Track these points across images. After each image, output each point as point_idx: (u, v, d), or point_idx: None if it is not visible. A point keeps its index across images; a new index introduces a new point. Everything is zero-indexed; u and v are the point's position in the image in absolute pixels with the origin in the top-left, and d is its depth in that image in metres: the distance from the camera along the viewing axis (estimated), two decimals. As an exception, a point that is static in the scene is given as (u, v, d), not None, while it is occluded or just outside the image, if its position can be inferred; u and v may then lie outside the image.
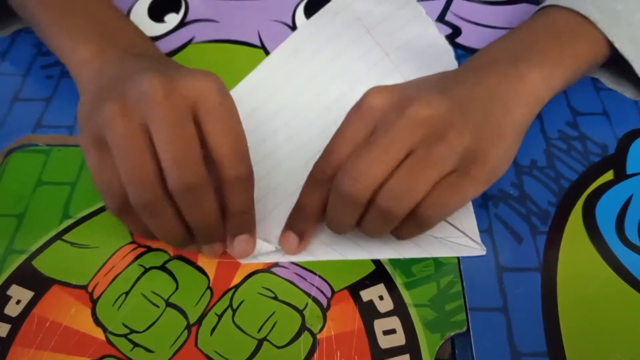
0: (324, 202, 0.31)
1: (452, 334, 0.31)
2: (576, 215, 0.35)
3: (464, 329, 0.31)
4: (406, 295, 0.32)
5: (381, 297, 0.32)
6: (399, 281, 0.32)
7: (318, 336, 0.30)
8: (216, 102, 0.30)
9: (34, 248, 0.34)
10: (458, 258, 0.33)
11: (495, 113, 0.31)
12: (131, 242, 0.34)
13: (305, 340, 0.30)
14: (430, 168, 0.29)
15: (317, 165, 0.31)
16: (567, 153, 0.38)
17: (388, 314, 0.31)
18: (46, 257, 0.34)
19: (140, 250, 0.34)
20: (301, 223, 0.33)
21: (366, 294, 0.32)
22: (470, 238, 0.34)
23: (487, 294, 0.32)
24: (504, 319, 0.31)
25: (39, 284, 0.33)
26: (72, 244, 0.34)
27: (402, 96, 0.30)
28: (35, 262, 0.33)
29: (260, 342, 0.30)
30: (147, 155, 0.28)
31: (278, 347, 0.30)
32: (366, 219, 0.30)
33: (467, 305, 0.32)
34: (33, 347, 0.30)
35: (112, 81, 0.32)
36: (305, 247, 0.34)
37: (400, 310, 0.31)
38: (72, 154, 0.39)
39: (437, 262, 0.33)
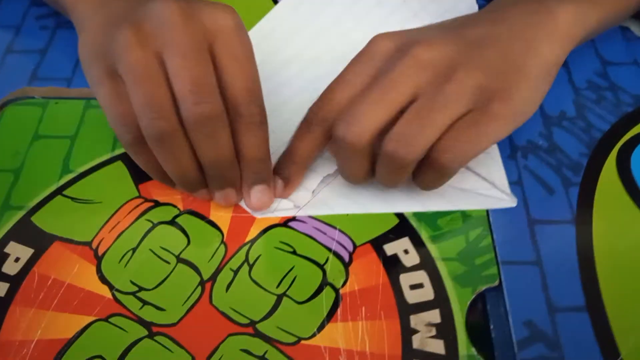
0: (315, 146, 0.30)
1: (484, 288, 0.29)
2: (610, 166, 0.33)
3: (496, 282, 0.29)
4: (433, 249, 0.30)
5: (406, 251, 0.30)
6: (424, 235, 0.30)
7: (341, 291, 0.28)
8: (235, 37, 0.28)
9: (32, 204, 0.32)
10: (487, 211, 0.31)
11: (517, 51, 0.29)
12: (137, 197, 0.32)
13: (328, 295, 0.28)
14: (439, 109, 0.26)
15: (311, 108, 0.30)
16: (597, 103, 0.36)
17: (414, 268, 0.29)
18: (46, 213, 0.31)
19: (148, 204, 0.32)
20: (288, 167, 0.31)
21: (390, 248, 0.30)
22: (499, 189, 0.32)
23: (519, 247, 0.30)
24: (538, 272, 0.29)
25: (39, 240, 0.30)
26: (73, 199, 0.32)
27: (407, 40, 0.28)
28: (35, 219, 0.31)
29: (279, 298, 0.28)
30: (161, 83, 0.26)
31: (299, 303, 0.28)
32: (377, 166, 0.29)
33: (498, 258, 0.30)
34: (34, 307, 0.28)
35: (122, 9, 0.30)
36: (291, 194, 0.32)
37: (427, 264, 0.29)
38: (70, 107, 0.36)
39: (465, 215, 0.31)
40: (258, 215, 0.31)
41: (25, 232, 0.31)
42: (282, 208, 0.31)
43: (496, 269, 0.29)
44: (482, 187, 0.32)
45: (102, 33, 0.29)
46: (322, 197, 0.32)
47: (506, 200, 0.32)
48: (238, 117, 0.28)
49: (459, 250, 0.30)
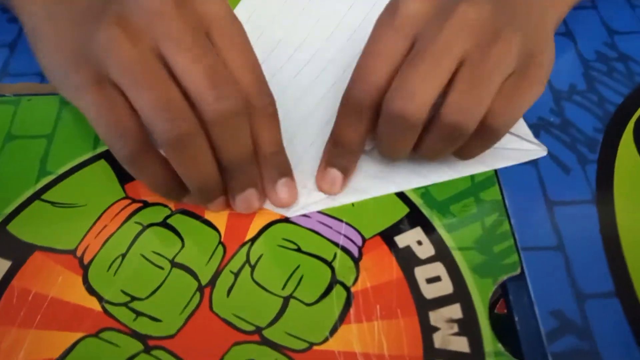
0: (366, 130, 0.27)
1: (505, 277, 0.27)
2: (627, 140, 0.31)
3: (518, 271, 0.27)
4: (448, 239, 0.28)
5: (419, 242, 0.28)
6: (437, 223, 0.28)
7: (352, 289, 0.26)
8: (231, 24, 0.26)
9: (7, 211, 0.29)
10: (502, 194, 0.29)
11: (536, 11, 0.28)
12: (124, 198, 0.29)
13: (338, 294, 0.26)
14: (492, 72, 0.25)
15: (350, 92, 0.27)
16: (608, 75, 0.34)
17: (430, 260, 0.27)
18: (23, 220, 0.29)
19: (136, 205, 0.29)
20: (343, 157, 0.28)
21: (402, 240, 0.28)
22: (527, 140, 0.31)
23: (539, 231, 0.28)
24: (562, 258, 0.27)
25: (17, 251, 0.28)
26: (53, 203, 0.29)
27: None
28: (11, 227, 0.28)
29: (286, 300, 0.26)
30: (168, 81, 0.24)
31: (308, 305, 0.26)
32: (427, 140, 0.26)
33: (518, 245, 0.28)
34: (15, 325, 0.25)
35: (87, 4, 0.26)
36: (347, 185, 0.29)
37: (443, 255, 0.27)
38: (45, 103, 0.33)
39: (479, 200, 0.29)
40: (290, 214, 0.28)
41: (1, 242, 0.28)
42: (315, 200, 0.29)
43: (517, 257, 0.27)
44: (511, 142, 0.31)
45: (71, 36, 0.26)
46: (352, 182, 0.30)
47: (537, 149, 0.31)
48: (251, 109, 0.25)
49: (476, 238, 0.28)
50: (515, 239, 0.28)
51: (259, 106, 0.26)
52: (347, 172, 0.29)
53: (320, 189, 0.29)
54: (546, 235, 0.28)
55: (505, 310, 0.27)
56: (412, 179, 0.30)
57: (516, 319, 0.26)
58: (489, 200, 0.29)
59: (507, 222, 0.28)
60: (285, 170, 0.28)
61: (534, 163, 0.30)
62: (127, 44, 0.23)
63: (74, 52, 0.25)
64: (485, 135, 0.26)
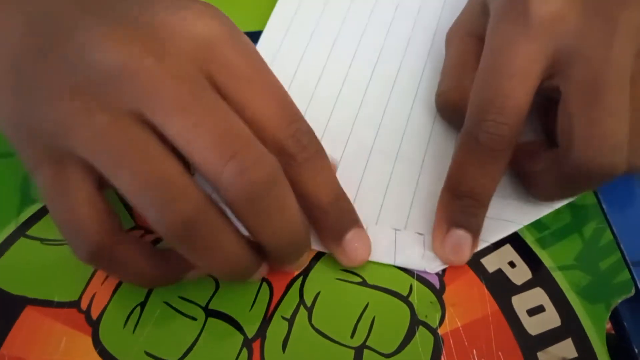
0: (501, 175, 0.21)
1: (619, 300, 0.22)
2: None
3: (632, 292, 0.22)
4: (544, 257, 0.23)
5: (512, 264, 0.23)
6: (529, 239, 0.23)
7: (439, 331, 0.21)
8: (236, 53, 0.19)
9: (-16, 254, 0.23)
10: (597, 196, 0.24)
11: None
12: (134, 228, 0.23)
13: (424, 339, 0.21)
14: None
15: (482, 126, 0.21)
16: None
17: (527, 285, 0.22)
18: (6, 265, 0.22)
19: (151, 237, 0.23)
20: (472, 213, 0.22)
21: (491, 262, 0.23)
22: None
23: (650, 240, 0.23)
24: (682, 271, 0.22)
25: (3, 308, 0.21)
26: (42, 240, 0.23)
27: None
28: (-8, 276, 0.22)
29: (359, 352, 0.20)
30: (159, 151, 0.17)
31: (387, 356, 0.20)
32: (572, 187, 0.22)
33: (627, 259, 0.23)
34: (10, 406, 0.19)
35: (31, 55, 0.19)
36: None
37: (542, 278, 0.22)
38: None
39: (572, 205, 0.24)
40: (432, 271, 0.22)
41: (-19, 297, 0.22)
42: (410, 256, 0.23)
43: (628, 274, 0.22)
44: None
45: (13, 108, 0.19)
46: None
47: None
48: (287, 158, 0.19)
49: (577, 253, 0.23)
50: (622, 252, 0.23)
51: (295, 150, 0.19)
52: (477, 232, 0.22)
53: (444, 258, 0.22)
54: (659, 245, 0.23)
55: (613, 331, 0.23)
56: (526, 211, 0.24)
57: (636, 350, 0.21)
58: (583, 204, 0.24)
59: (608, 231, 0.23)
60: (351, 219, 0.22)
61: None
62: (94, 112, 0.17)
63: (20, 126, 0.19)
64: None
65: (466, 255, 0.22)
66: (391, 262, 0.22)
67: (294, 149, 0.19)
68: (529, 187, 0.23)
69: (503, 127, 0.20)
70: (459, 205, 0.22)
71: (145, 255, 0.19)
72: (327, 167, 0.21)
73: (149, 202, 0.17)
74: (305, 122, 0.20)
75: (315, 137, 0.20)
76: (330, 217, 0.21)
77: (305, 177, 0.20)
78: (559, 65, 0.20)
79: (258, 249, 0.20)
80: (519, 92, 0.20)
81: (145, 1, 0.19)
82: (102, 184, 0.19)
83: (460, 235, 0.22)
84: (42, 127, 0.18)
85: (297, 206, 0.19)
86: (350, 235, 0.21)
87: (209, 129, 0.17)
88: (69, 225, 0.18)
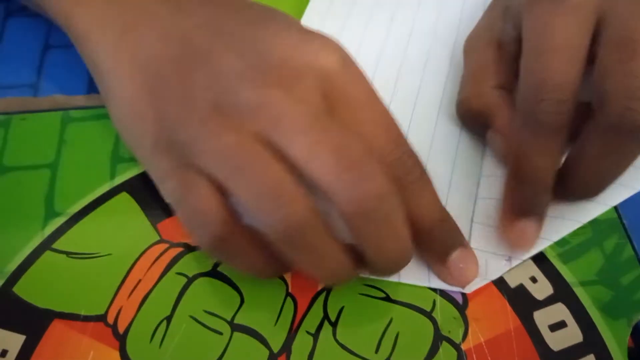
0: (560, 155, 0.22)
1: (641, 317, 0.22)
2: None
3: (654, 308, 0.22)
4: (566, 272, 0.23)
5: (534, 279, 0.23)
6: (550, 253, 0.23)
7: (463, 346, 0.21)
8: (353, 82, 0.20)
9: (10, 268, 0.23)
10: (618, 211, 0.24)
11: None
12: (159, 242, 0.23)
13: (447, 354, 0.21)
14: None
15: (540, 106, 0.21)
16: None
17: (549, 300, 0.22)
18: (32, 278, 0.23)
19: (175, 251, 0.23)
20: (536, 199, 0.22)
21: (512, 277, 0.23)
22: None
23: (670, 255, 0.23)
24: (703, 287, 0.23)
25: (31, 321, 0.22)
26: (68, 254, 0.23)
27: None
28: (18, 289, 0.22)
29: (384, 368, 0.21)
30: (277, 165, 0.19)
31: (412, 372, 0.21)
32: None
33: (648, 274, 0.23)
34: (39, 419, 0.20)
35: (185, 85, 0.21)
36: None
37: (563, 293, 0.22)
38: (43, 123, 0.26)
39: (593, 220, 0.24)
40: (468, 290, 0.22)
41: (7, 310, 0.22)
42: (494, 267, 0.23)
43: (649, 289, 0.23)
44: None
45: (153, 116, 0.21)
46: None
47: None
48: (394, 180, 0.20)
49: (598, 268, 0.23)
50: (643, 266, 0.23)
51: (403, 173, 0.20)
52: (542, 219, 0.22)
53: (514, 244, 0.23)
54: (680, 260, 0.23)
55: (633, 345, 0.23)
56: (588, 208, 0.24)
57: (657, 368, 0.22)
58: (603, 219, 0.24)
59: (629, 246, 0.24)
60: (456, 239, 0.22)
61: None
62: (224, 134, 0.19)
63: (156, 134, 0.21)
64: None
65: (532, 242, 0.23)
66: (425, 285, 0.22)
67: (400, 171, 0.20)
68: (576, 169, 0.23)
69: (561, 103, 0.20)
70: (522, 192, 0.22)
71: (257, 247, 0.20)
72: (431, 189, 0.21)
73: (262, 206, 0.18)
74: (410, 146, 0.21)
75: (420, 161, 0.21)
76: (435, 237, 0.21)
77: (411, 198, 0.20)
78: (597, 31, 0.21)
79: (357, 257, 0.20)
80: (570, 67, 0.20)
81: (275, 35, 0.20)
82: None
83: (525, 223, 0.22)
84: (180, 139, 0.20)
85: (406, 224, 0.20)
86: (456, 255, 0.22)
87: (328, 144, 0.18)
88: (196, 216, 0.20)
